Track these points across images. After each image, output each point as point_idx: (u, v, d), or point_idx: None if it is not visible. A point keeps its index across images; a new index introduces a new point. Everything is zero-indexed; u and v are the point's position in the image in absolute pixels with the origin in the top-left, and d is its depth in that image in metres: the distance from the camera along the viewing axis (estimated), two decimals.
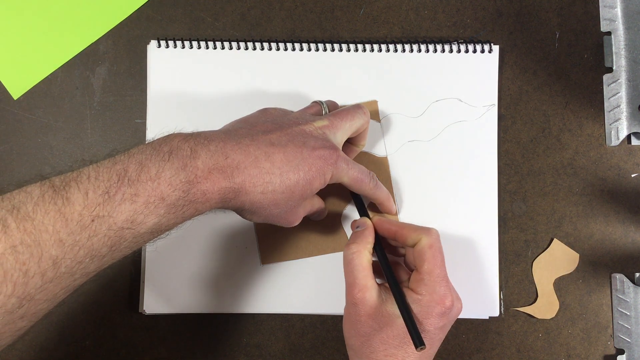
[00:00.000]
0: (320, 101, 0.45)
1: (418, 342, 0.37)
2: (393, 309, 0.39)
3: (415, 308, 0.39)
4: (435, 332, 0.39)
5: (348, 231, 0.48)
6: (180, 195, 0.33)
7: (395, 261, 0.45)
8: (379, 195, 0.45)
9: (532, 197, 0.49)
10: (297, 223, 0.42)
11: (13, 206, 0.29)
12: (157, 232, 0.34)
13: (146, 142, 0.35)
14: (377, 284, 0.41)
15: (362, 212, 0.45)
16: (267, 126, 0.39)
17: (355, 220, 0.44)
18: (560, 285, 0.49)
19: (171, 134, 0.36)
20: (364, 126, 0.44)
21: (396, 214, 0.48)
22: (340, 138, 0.42)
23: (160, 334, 0.49)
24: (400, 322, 0.39)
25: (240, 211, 0.39)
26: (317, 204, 0.45)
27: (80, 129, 0.50)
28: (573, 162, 0.50)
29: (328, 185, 0.40)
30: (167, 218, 0.33)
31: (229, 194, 0.35)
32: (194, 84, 0.49)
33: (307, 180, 0.38)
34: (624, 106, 0.49)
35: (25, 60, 0.50)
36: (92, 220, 0.30)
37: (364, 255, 0.41)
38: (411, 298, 0.40)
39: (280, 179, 0.37)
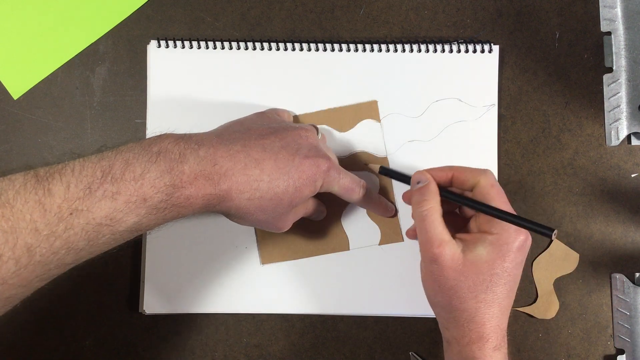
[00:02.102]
0: (316, 126, 0.46)
1: (548, 230, 0.37)
2: (472, 255, 0.39)
3: (493, 249, 0.39)
4: (516, 267, 0.39)
5: (348, 231, 0.48)
6: (163, 197, 0.33)
7: (450, 211, 0.44)
8: (370, 203, 0.45)
9: (532, 197, 0.49)
10: (286, 229, 0.42)
11: None
12: (136, 231, 0.34)
13: (137, 141, 0.35)
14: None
15: (406, 179, 0.44)
16: (261, 130, 0.39)
17: (413, 176, 0.43)
18: (560, 285, 0.49)
19: (163, 134, 0.36)
20: (346, 196, 0.43)
21: (395, 215, 0.48)
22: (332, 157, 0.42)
23: (160, 334, 0.49)
24: (483, 265, 0.38)
25: (226, 215, 0.39)
26: (311, 207, 0.45)
27: (80, 129, 0.50)
28: (573, 162, 0.50)
29: None
30: (147, 219, 0.33)
31: (213, 200, 0.36)
32: (194, 84, 0.49)
33: (297, 188, 0.38)
34: (624, 106, 0.49)
35: (25, 60, 0.50)
36: (71, 214, 0.31)
37: (437, 209, 0.40)
38: (486, 240, 0.39)
39: (268, 186, 0.37)
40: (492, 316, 0.39)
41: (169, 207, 0.34)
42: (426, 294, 0.42)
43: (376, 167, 0.47)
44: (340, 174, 0.41)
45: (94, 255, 0.33)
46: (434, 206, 0.40)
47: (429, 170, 0.43)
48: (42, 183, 0.31)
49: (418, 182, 0.42)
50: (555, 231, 0.37)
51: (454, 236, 0.41)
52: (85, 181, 0.31)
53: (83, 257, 0.33)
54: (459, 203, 0.42)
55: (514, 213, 0.39)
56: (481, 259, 0.39)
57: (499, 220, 0.39)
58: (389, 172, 0.45)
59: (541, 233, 0.38)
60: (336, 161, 0.43)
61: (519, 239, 0.39)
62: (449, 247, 0.39)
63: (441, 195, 0.41)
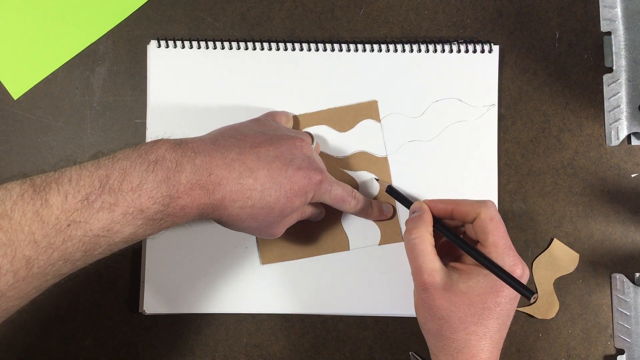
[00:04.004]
0: (311, 134, 0.46)
1: (528, 293, 0.37)
2: (465, 286, 0.39)
3: (486, 283, 0.39)
4: (509, 302, 0.39)
5: (348, 231, 0.48)
6: (160, 208, 0.33)
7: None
8: (363, 212, 0.46)
9: (532, 197, 0.49)
10: (279, 235, 0.42)
11: None
12: (132, 241, 0.34)
13: (133, 147, 0.35)
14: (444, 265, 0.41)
15: (407, 204, 0.45)
16: (257, 138, 0.39)
17: (412, 205, 0.44)
18: (560, 285, 0.49)
19: (159, 140, 0.35)
20: (338, 206, 0.44)
21: (394, 217, 0.48)
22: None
23: (160, 334, 0.49)
24: (475, 297, 0.39)
25: (219, 222, 0.39)
26: (306, 212, 0.44)
27: (80, 129, 0.50)
28: (573, 162, 0.50)
29: None
30: (143, 229, 0.33)
31: (207, 209, 0.36)
32: (193, 84, 0.49)
33: (288, 198, 0.38)
34: (624, 106, 0.49)
35: (25, 60, 0.50)
36: (68, 225, 0.31)
37: (426, 238, 0.41)
38: (481, 272, 0.39)
39: (261, 195, 0.37)
40: (482, 349, 0.39)
41: (164, 217, 0.34)
42: (418, 320, 0.42)
43: (384, 184, 0.48)
44: (332, 186, 0.41)
45: (87, 265, 0.33)
46: (423, 235, 0.41)
47: (429, 201, 0.43)
48: (39, 193, 0.30)
49: (414, 212, 0.43)
50: (536, 295, 0.38)
51: (448, 265, 0.41)
52: (83, 191, 0.31)
53: (79, 267, 0.33)
54: (449, 239, 0.42)
55: (510, 247, 0.40)
56: (473, 291, 0.39)
57: (496, 254, 0.39)
58: (393, 193, 0.47)
59: (519, 292, 0.38)
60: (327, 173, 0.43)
61: (515, 274, 0.39)
62: (439, 276, 0.39)
63: (435, 227, 0.42)
